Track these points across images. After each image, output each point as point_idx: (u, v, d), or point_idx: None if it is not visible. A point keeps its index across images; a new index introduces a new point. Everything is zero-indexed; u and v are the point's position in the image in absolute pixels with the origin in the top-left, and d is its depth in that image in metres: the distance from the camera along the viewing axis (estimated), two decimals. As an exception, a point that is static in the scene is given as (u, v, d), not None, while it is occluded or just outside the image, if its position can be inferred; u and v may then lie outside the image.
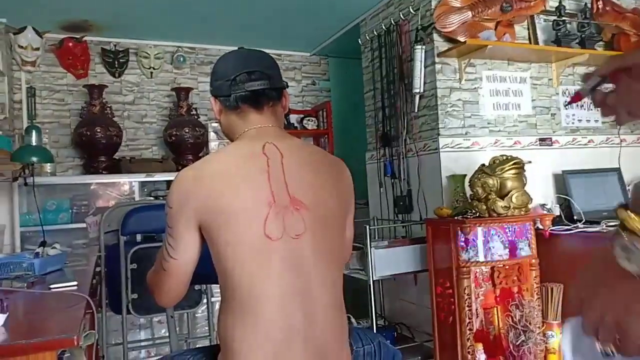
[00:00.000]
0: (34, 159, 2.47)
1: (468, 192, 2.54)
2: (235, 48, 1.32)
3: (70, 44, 3.38)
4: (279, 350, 1.11)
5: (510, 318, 2.37)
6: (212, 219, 1.10)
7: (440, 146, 2.74)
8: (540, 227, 2.48)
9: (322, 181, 1.21)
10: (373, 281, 2.55)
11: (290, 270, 1.13)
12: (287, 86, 1.33)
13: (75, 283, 1.55)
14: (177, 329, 3.35)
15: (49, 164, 3.09)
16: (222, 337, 1.15)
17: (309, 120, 4.11)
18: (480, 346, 2.35)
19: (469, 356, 2.33)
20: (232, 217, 1.09)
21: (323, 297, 1.16)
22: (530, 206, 2.45)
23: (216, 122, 1.31)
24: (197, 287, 2.92)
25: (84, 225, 3.14)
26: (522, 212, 2.43)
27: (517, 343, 2.32)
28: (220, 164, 1.16)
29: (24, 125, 3.16)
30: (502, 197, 2.38)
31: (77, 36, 3.40)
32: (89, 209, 3.31)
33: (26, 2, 2.92)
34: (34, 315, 1.27)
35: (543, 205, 2.69)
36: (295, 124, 4.08)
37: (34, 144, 2.54)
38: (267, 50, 1.29)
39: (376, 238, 3.16)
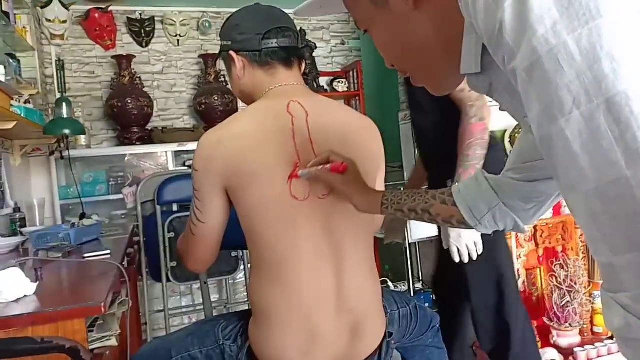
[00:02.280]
0: (66, 131, 2.49)
1: (509, 148, 2.42)
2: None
3: (97, 15, 3.36)
4: (312, 314, 1.08)
5: (554, 278, 2.27)
6: (237, 181, 1.06)
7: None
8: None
9: (350, 139, 1.15)
10: (409, 243, 2.49)
11: (318, 230, 1.09)
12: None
13: (108, 252, 1.55)
14: (217, 295, 3.41)
15: (83, 136, 3.13)
16: (253, 301, 1.13)
17: (339, 82, 3.99)
18: (522, 308, 2.28)
19: (511, 318, 2.26)
20: (256, 178, 1.05)
21: (353, 258, 1.12)
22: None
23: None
24: (233, 253, 2.94)
25: (121, 196, 3.19)
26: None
27: (562, 304, 2.23)
28: (244, 125, 1.11)
29: (56, 99, 3.20)
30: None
31: (103, 6, 3.38)
32: (125, 180, 3.35)
33: (50, -26, 2.90)
34: (66, 284, 1.27)
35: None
36: (325, 87, 3.99)
37: (64, 116, 2.55)
38: (291, 10, 1.22)
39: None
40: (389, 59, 0.69)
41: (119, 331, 1.14)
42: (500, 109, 0.65)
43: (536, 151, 0.70)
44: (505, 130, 2.53)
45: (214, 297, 3.43)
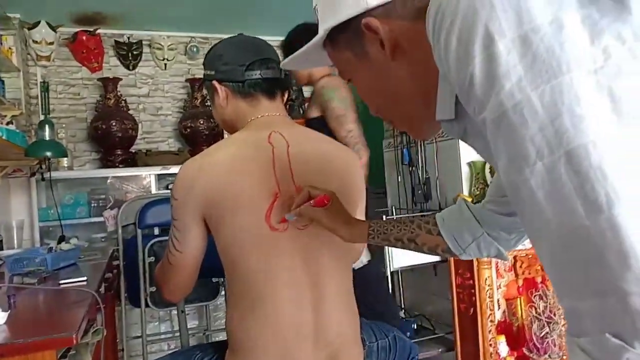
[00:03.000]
0: (48, 153, 2.47)
1: (489, 179, 2.45)
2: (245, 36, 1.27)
3: (84, 38, 3.37)
4: (289, 347, 1.07)
5: (533, 309, 2.28)
6: (216, 210, 1.06)
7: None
8: (565, 214, 2.38)
9: (330, 170, 1.16)
10: (391, 272, 2.49)
11: (297, 262, 1.09)
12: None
13: (84, 278, 1.53)
14: (197, 321, 3.35)
15: (65, 158, 3.10)
16: (230, 331, 1.12)
17: (325, 109, 4.03)
18: (502, 338, 2.28)
19: (491, 348, 2.26)
20: (236, 208, 1.05)
21: (332, 290, 1.12)
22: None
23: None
24: (214, 279, 2.90)
25: (102, 219, 3.15)
26: (546, 199, 2.34)
27: (542, 335, 2.24)
28: (224, 154, 1.12)
29: (39, 120, 3.18)
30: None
31: (91, 29, 3.39)
32: (107, 202, 3.32)
33: (38, -4, 2.92)
34: (40, 313, 1.25)
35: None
36: (311, 113, 4.02)
37: (47, 138, 2.54)
38: (280, 38, 1.25)
39: (394, 228, 3.10)
40: (372, 106, 0.72)
41: (92, 362, 1.12)
42: (477, 153, 0.67)
43: None
44: (485, 162, 2.56)
45: (193, 322, 3.38)
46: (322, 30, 0.69)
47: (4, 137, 2.18)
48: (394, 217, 3.13)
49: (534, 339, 2.24)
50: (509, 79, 0.42)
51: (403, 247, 1.02)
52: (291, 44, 2.23)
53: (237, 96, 1.19)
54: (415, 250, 1.01)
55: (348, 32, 0.66)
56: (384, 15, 0.62)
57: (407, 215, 3.10)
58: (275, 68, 1.19)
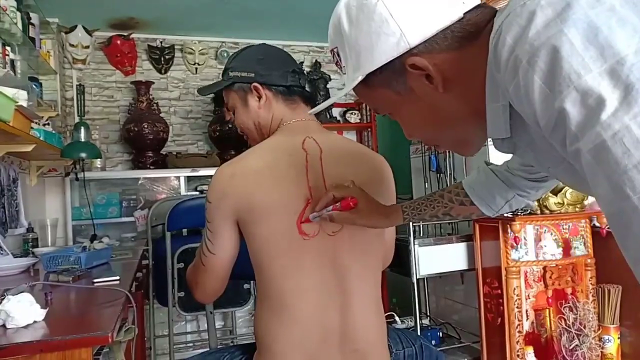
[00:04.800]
0: (82, 154, 2.54)
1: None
2: (277, 42, 1.31)
3: (119, 42, 3.46)
4: (315, 352, 1.08)
5: (563, 321, 2.24)
6: (248, 215, 1.08)
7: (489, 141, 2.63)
8: (597, 225, 2.33)
9: (361, 177, 1.16)
10: (417, 279, 2.48)
11: (326, 268, 1.09)
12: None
13: (117, 277, 1.57)
14: (222, 322, 3.39)
15: (98, 159, 3.18)
16: (258, 334, 1.13)
17: (352, 113, 4.03)
18: (530, 349, 2.25)
19: (519, 359, 2.23)
20: (268, 213, 1.07)
21: (360, 296, 1.12)
22: (585, 202, 2.32)
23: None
24: (245, 285, 2.93)
25: (132, 219, 3.22)
26: (577, 209, 2.29)
27: (571, 347, 2.20)
28: (258, 160, 1.14)
29: (75, 122, 3.27)
30: (556, 193, 2.26)
31: (125, 34, 3.48)
32: (138, 203, 3.39)
33: (76, 2, 3.01)
34: (75, 311, 1.29)
35: (600, 202, 2.53)
36: (338, 117, 4.03)
37: (82, 140, 2.61)
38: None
39: (421, 235, 3.08)
40: (418, 135, 0.74)
41: (124, 360, 1.15)
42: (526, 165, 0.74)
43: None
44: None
45: (219, 323, 3.42)
46: (360, 74, 0.67)
47: (41, 138, 2.25)
48: (420, 224, 3.11)
49: (563, 351, 2.20)
50: (604, 110, 0.43)
51: (438, 221, 1.11)
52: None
53: (279, 99, 1.21)
54: (450, 220, 1.09)
55: (385, 72, 0.65)
56: (426, 51, 0.62)
57: (433, 222, 3.08)
58: (305, 78, 1.25)
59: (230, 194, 1.09)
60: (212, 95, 3.77)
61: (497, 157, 0.99)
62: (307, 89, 1.24)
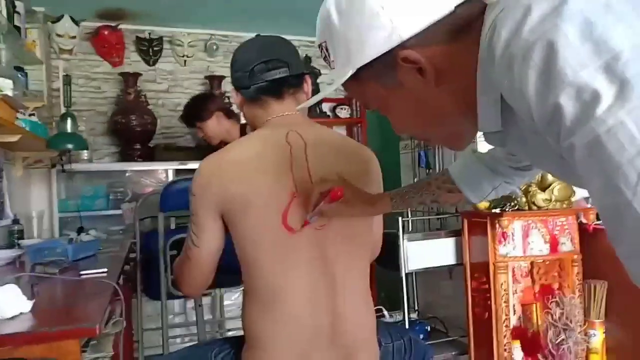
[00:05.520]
0: (69, 145, 2.51)
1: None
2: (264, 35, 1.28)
3: (106, 32, 3.41)
4: (305, 346, 1.08)
5: (549, 315, 2.26)
6: (233, 208, 1.07)
7: (477, 135, 2.63)
8: (584, 221, 2.36)
9: (347, 169, 1.15)
10: (406, 273, 2.49)
11: (314, 262, 1.09)
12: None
13: (105, 270, 1.55)
14: (210, 315, 3.37)
15: (85, 151, 3.14)
16: (246, 328, 1.13)
17: (342, 108, 4.03)
18: (517, 344, 2.27)
19: (506, 353, 2.25)
20: (252, 206, 1.06)
21: (349, 290, 1.13)
22: (573, 199, 2.34)
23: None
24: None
25: (120, 211, 3.19)
26: (565, 206, 2.32)
27: (557, 342, 2.22)
28: (242, 153, 1.13)
29: (61, 113, 3.22)
30: (543, 190, 2.28)
31: (113, 24, 3.43)
32: (125, 195, 3.36)
33: (63, -9, 2.96)
34: (62, 302, 1.27)
35: (587, 199, 2.56)
36: (328, 112, 4.02)
37: (69, 131, 2.57)
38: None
39: (410, 230, 3.09)
40: (408, 130, 0.73)
41: (112, 352, 1.14)
42: (513, 154, 0.75)
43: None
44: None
45: (207, 316, 3.40)
46: (350, 68, 0.66)
47: (27, 129, 2.21)
48: (409, 219, 3.12)
49: (550, 345, 2.22)
50: (599, 105, 0.43)
51: (424, 207, 1.11)
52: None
53: (247, 101, 1.20)
54: (437, 206, 1.09)
55: (376, 66, 0.64)
56: (417, 45, 0.61)
57: (422, 217, 3.09)
58: (280, 67, 1.16)
59: (214, 185, 1.08)
60: (202, 87, 3.74)
61: (485, 150, 1.02)
62: (279, 78, 1.15)
